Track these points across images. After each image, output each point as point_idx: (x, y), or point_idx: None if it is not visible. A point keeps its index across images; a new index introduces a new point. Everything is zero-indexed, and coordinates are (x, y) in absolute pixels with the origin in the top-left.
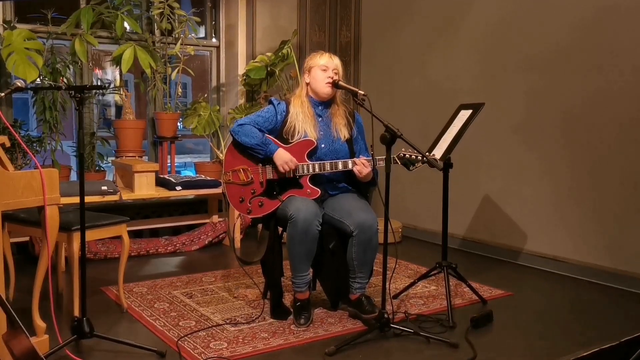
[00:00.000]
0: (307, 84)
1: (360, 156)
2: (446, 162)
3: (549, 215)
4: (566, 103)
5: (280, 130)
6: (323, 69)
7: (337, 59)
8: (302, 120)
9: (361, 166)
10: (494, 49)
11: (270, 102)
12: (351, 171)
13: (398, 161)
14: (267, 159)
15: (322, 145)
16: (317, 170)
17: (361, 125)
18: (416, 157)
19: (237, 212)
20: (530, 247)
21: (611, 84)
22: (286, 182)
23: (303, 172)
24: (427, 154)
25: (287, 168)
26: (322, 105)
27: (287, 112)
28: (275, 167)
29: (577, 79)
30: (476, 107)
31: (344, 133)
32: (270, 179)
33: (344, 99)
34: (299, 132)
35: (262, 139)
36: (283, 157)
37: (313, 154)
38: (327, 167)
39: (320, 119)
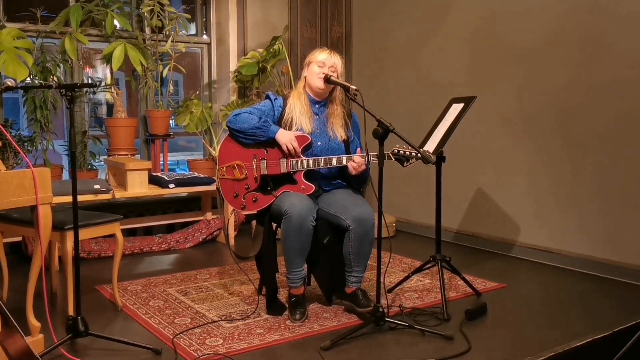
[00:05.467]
0: (305, 78)
1: (358, 149)
2: (439, 156)
3: (541, 207)
4: (559, 95)
5: (277, 124)
6: (320, 65)
7: (338, 57)
8: (299, 112)
9: (357, 164)
10: (486, 42)
11: (267, 97)
12: (345, 167)
13: (392, 157)
14: (262, 153)
15: (319, 143)
16: (311, 165)
17: (357, 124)
18: (410, 153)
19: (231, 208)
20: (524, 239)
21: (604, 75)
22: (280, 177)
23: (297, 168)
24: (421, 149)
25: (291, 147)
26: (319, 104)
27: (284, 107)
28: (279, 147)
29: (569, 70)
30: (468, 101)
31: (340, 133)
32: (264, 175)
33: (342, 98)
34: (296, 123)
35: (261, 121)
36: (285, 136)
37: (308, 150)
38: (322, 162)
39: (316, 117)
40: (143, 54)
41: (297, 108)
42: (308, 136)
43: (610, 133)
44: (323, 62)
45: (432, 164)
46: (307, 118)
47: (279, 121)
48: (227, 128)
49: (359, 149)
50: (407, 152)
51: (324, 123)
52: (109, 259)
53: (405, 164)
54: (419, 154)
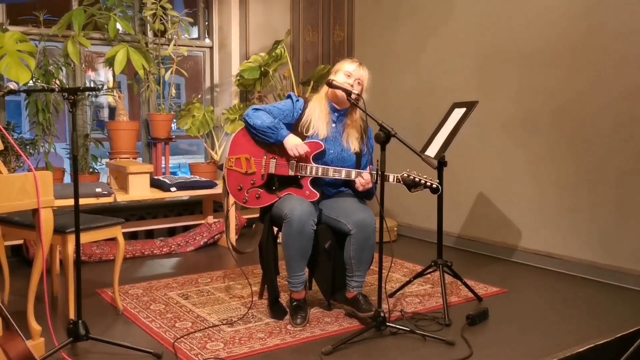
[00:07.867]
0: None
1: (369, 166)
2: (440, 161)
3: (543, 212)
4: (559, 100)
5: (295, 125)
6: (347, 74)
7: (367, 71)
8: (317, 116)
9: (365, 181)
10: (487, 46)
11: (289, 97)
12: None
13: (401, 181)
14: (273, 152)
15: (331, 151)
16: (319, 174)
17: (372, 141)
18: (419, 180)
19: (232, 200)
20: (525, 244)
21: (605, 79)
22: (287, 179)
23: (305, 173)
24: (423, 154)
25: (297, 153)
26: (339, 112)
27: (304, 109)
28: (285, 153)
29: (569, 75)
30: (470, 105)
31: (354, 145)
32: (271, 173)
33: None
34: (313, 127)
35: (274, 122)
36: (293, 141)
37: (320, 158)
38: (330, 173)
39: (334, 125)
40: (145, 58)
41: (317, 112)
42: (322, 143)
43: (613, 138)
44: (350, 73)
45: (433, 168)
46: (324, 123)
47: (297, 122)
48: (243, 121)
49: (369, 166)
50: (416, 179)
51: (340, 132)
52: (110, 262)
53: (412, 190)
54: (427, 183)
